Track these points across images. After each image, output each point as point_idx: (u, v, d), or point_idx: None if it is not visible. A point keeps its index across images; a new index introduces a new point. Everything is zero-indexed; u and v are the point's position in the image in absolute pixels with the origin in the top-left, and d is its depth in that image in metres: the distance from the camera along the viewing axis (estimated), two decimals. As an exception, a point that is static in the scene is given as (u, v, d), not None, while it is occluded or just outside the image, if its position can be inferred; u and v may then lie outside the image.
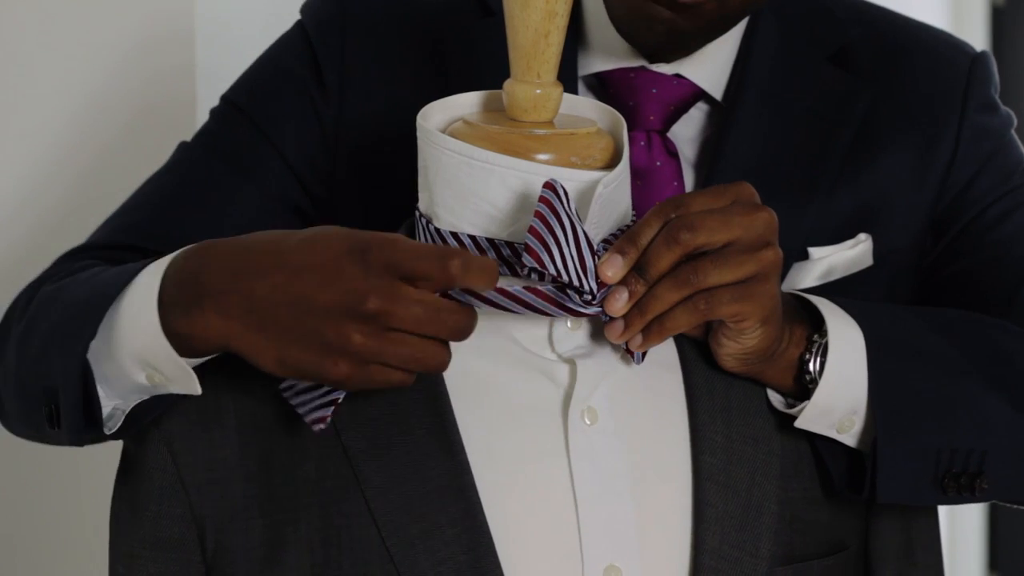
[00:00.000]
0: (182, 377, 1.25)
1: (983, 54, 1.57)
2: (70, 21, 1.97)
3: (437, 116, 1.30)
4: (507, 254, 1.24)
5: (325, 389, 1.22)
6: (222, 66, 1.84)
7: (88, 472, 1.75)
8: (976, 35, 3.86)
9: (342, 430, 1.25)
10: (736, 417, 1.31)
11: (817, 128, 1.50)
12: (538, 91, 1.26)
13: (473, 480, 1.24)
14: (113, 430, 1.29)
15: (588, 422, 1.27)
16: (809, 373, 1.31)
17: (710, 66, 1.50)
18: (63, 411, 1.28)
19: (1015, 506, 1.41)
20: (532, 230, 1.19)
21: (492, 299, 1.22)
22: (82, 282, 1.32)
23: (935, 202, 1.51)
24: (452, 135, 1.26)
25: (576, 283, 1.21)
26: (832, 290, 1.47)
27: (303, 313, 1.19)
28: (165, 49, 1.96)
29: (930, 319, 1.37)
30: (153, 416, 1.28)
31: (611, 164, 1.28)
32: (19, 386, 1.34)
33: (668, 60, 1.49)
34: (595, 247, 1.22)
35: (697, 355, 1.32)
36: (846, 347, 1.30)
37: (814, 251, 1.48)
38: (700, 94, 1.51)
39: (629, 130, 1.44)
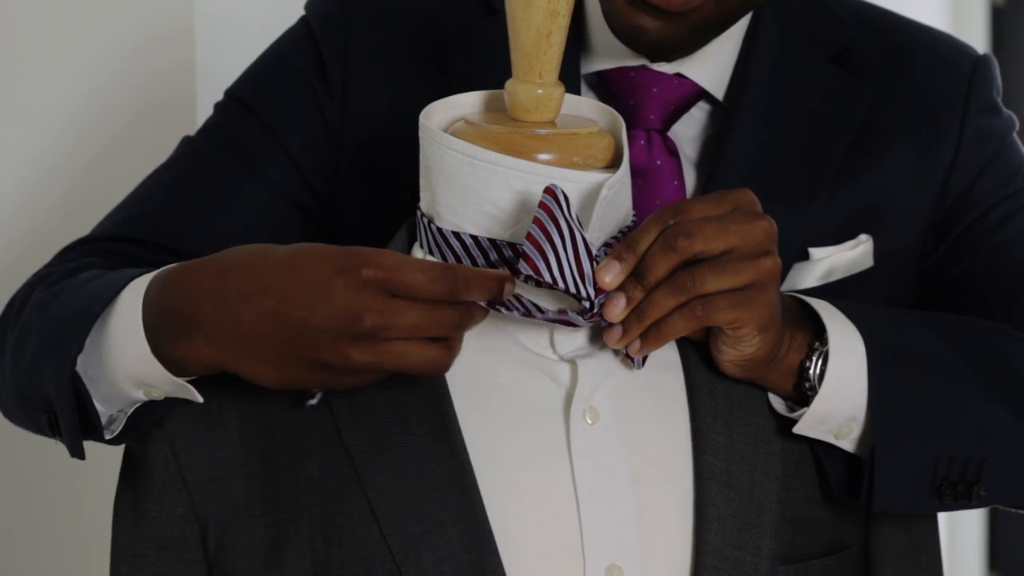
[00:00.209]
0: (181, 390, 1.26)
1: (985, 57, 1.56)
2: (70, 20, 1.97)
3: (439, 115, 1.30)
4: (508, 255, 1.24)
5: None
6: (222, 64, 1.84)
7: (88, 472, 1.74)
8: (976, 35, 3.86)
9: (344, 429, 1.25)
10: (737, 417, 1.31)
11: (819, 128, 1.50)
12: (540, 91, 1.26)
13: (475, 479, 1.24)
14: (116, 433, 1.29)
15: (590, 421, 1.27)
16: (809, 380, 1.31)
17: (711, 65, 1.50)
18: (61, 422, 1.28)
19: (1013, 510, 1.41)
20: (530, 237, 1.20)
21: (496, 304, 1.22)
22: (71, 292, 1.31)
23: (936, 204, 1.51)
24: (454, 135, 1.26)
25: (573, 290, 1.21)
26: (832, 291, 1.46)
27: (298, 336, 1.18)
28: (165, 47, 1.96)
29: (931, 324, 1.36)
30: (157, 418, 1.28)
31: (612, 164, 1.28)
32: (16, 389, 1.34)
33: (668, 60, 1.49)
34: (594, 252, 1.23)
35: (698, 356, 1.32)
36: (847, 355, 1.30)
37: (815, 252, 1.48)
38: (701, 93, 1.50)
39: (629, 129, 1.45)
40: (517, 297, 1.23)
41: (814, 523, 1.32)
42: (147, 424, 1.28)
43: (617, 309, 1.24)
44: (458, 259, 1.26)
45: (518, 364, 1.28)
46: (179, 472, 1.26)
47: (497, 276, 1.19)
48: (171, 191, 1.51)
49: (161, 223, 1.48)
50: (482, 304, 1.22)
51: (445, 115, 1.30)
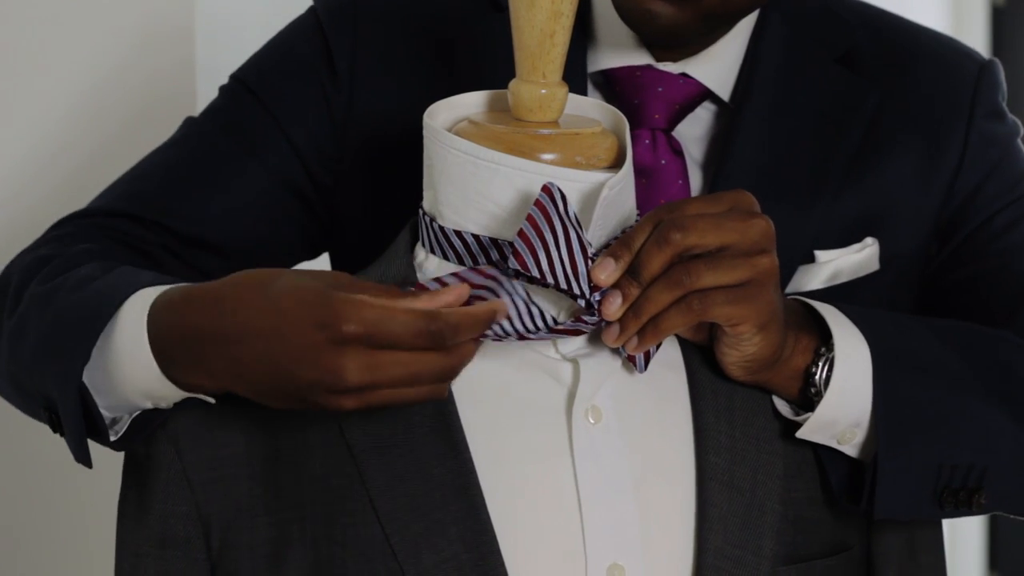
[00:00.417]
0: (191, 398, 1.26)
1: (991, 62, 1.56)
2: (71, 17, 1.97)
3: (443, 115, 1.30)
4: (509, 254, 1.24)
5: None
6: (222, 63, 1.84)
7: (90, 471, 1.74)
8: (976, 35, 3.85)
9: (346, 428, 1.25)
10: (740, 418, 1.31)
11: (825, 130, 1.49)
12: (543, 91, 1.26)
13: (477, 478, 1.24)
14: (120, 434, 1.29)
15: (592, 421, 1.27)
16: (815, 385, 1.31)
17: (717, 66, 1.50)
18: (66, 429, 1.27)
19: (1013, 516, 1.41)
20: (521, 233, 1.20)
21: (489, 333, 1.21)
22: (70, 291, 1.30)
23: (941, 208, 1.51)
24: (458, 135, 1.26)
25: (564, 287, 1.21)
26: (837, 294, 1.46)
27: (288, 383, 1.17)
28: (165, 45, 1.96)
29: (934, 330, 1.36)
30: (162, 420, 1.28)
31: (616, 164, 1.28)
32: (12, 377, 1.34)
33: (674, 59, 1.49)
34: (591, 251, 1.22)
35: (701, 357, 1.32)
36: (852, 361, 1.30)
37: (820, 254, 1.48)
38: (706, 94, 1.50)
39: (634, 128, 1.45)
40: (510, 321, 1.22)
41: (816, 523, 1.32)
42: (152, 425, 1.28)
43: (613, 307, 1.23)
44: (459, 258, 1.27)
45: (520, 363, 1.28)
46: (183, 471, 1.26)
47: (486, 314, 1.17)
48: (172, 170, 1.50)
49: (159, 201, 1.48)
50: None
51: (449, 115, 1.30)
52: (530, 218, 1.20)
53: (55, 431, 1.31)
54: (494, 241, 1.25)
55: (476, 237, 1.25)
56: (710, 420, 1.30)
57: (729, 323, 1.25)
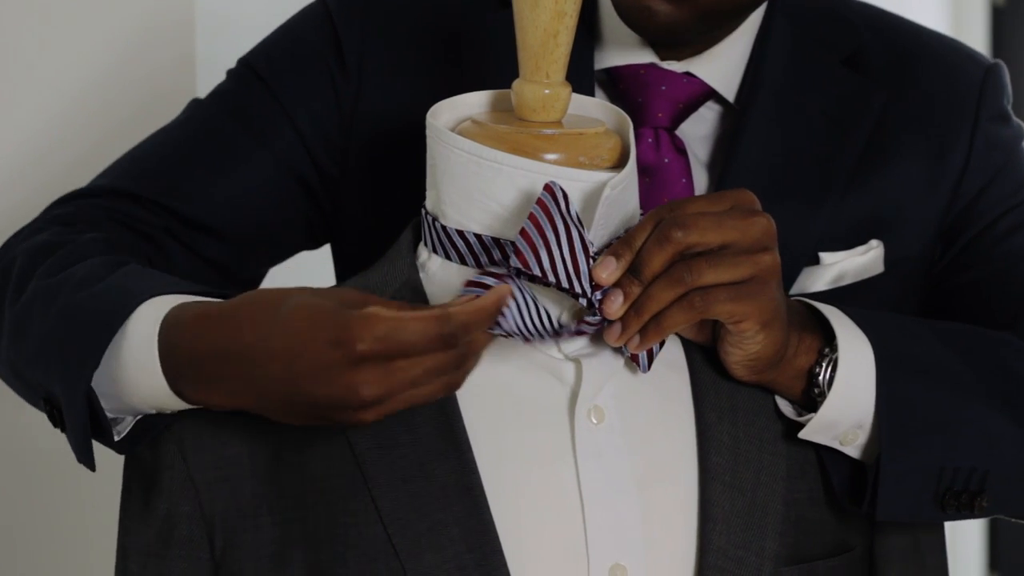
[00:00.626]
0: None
1: (996, 65, 1.56)
2: (71, 12, 1.97)
3: (446, 115, 1.30)
4: (511, 252, 1.24)
5: None
6: (223, 58, 1.83)
7: (90, 471, 1.74)
8: (976, 35, 3.84)
9: (349, 428, 1.25)
10: (742, 418, 1.31)
11: (831, 131, 1.49)
12: (547, 91, 1.26)
13: (479, 478, 1.24)
14: (123, 434, 1.28)
15: (595, 421, 1.27)
16: (819, 386, 1.30)
17: (721, 65, 1.50)
18: (69, 429, 1.27)
19: (1014, 520, 1.41)
20: (522, 232, 1.20)
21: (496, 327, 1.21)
22: (76, 287, 1.29)
23: (945, 211, 1.51)
24: (461, 135, 1.26)
25: (566, 285, 1.21)
26: (841, 296, 1.46)
27: (305, 403, 1.17)
28: (165, 41, 1.96)
29: (938, 332, 1.36)
30: (167, 423, 1.28)
31: (619, 164, 1.28)
32: (13, 367, 1.33)
33: (678, 58, 1.49)
34: (592, 251, 1.22)
35: (704, 357, 1.32)
36: (855, 362, 1.30)
37: (825, 256, 1.48)
38: (710, 93, 1.50)
39: (637, 127, 1.44)
40: (520, 316, 1.22)
41: (818, 524, 1.33)
42: (156, 429, 1.28)
43: (615, 305, 1.23)
44: (461, 257, 1.27)
45: (523, 363, 1.28)
46: (187, 471, 1.26)
47: (494, 303, 1.16)
48: (176, 151, 1.50)
49: (162, 181, 1.47)
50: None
51: (452, 115, 1.30)
52: (532, 217, 1.20)
53: (53, 423, 1.30)
54: (496, 241, 1.25)
55: (479, 237, 1.25)
56: (712, 420, 1.30)
57: (731, 320, 1.25)
